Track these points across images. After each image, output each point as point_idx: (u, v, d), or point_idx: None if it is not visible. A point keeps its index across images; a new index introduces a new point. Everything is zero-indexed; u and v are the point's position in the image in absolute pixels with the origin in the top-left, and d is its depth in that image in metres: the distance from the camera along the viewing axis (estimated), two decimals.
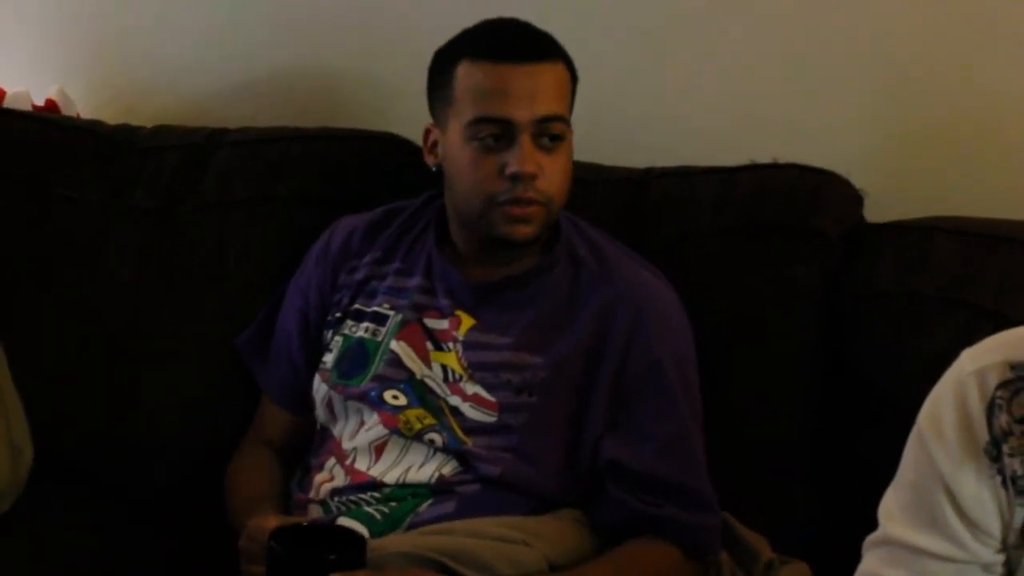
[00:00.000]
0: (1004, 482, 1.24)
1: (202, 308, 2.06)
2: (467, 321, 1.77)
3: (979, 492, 1.25)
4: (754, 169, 1.96)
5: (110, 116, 2.36)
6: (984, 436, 1.25)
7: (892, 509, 1.31)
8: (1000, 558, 1.27)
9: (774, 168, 1.95)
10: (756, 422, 1.86)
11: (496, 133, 1.71)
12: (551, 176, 1.72)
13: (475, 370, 1.74)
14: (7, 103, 2.36)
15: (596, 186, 2.01)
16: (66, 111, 2.39)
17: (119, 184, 2.13)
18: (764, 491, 1.84)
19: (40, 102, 2.40)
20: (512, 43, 1.73)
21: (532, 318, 1.76)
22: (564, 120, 1.74)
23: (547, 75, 1.72)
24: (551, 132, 1.72)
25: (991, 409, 1.24)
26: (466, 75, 1.73)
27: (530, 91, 1.71)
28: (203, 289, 2.06)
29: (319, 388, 1.84)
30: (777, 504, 1.84)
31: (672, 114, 2.17)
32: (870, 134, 2.07)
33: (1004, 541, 1.26)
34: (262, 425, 1.96)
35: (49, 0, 2.54)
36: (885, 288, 1.82)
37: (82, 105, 2.48)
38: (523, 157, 1.69)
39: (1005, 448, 1.23)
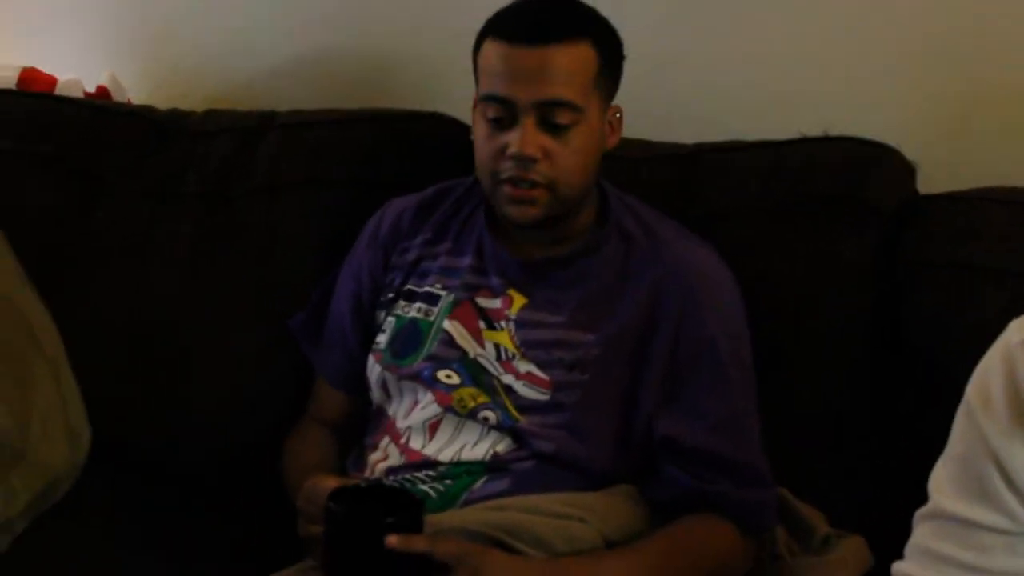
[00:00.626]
0: None
1: (253, 291, 2.06)
2: (519, 300, 1.77)
3: None
4: (804, 142, 1.95)
5: (161, 101, 2.38)
6: None
7: (942, 482, 1.30)
8: None
9: (825, 141, 1.94)
10: (811, 397, 1.85)
11: (500, 113, 1.71)
12: (558, 159, 1.70)
13: (528, 348, 1.75)
14: (59, 90, 2.38)
15: (644, 162, 2.01)
16: (117, 97, 2.40)
17: (170, 169, 2.14)
18: (820, 466, 1.84)
19: (92, 89, 2.42)
20: (530, 24, 1.72)
21: (583, 296, 1.76)
22: (570, 105, 1.70)
23: (560, 57, 1.69)
24: (556, 118, 1.70)
25: None
26: (485, 53, 1.74)
27: (536, 74, 1.69)
28: (253, 272, 2.07)
29: (373, 368, 1.85)
30: (834, 479, 1.83)
31: (721, 88, 2.17)
32: (922, 105, 2.06)
33: None
34: (318, 406, 1.97)
35: None
36: (937, 259, 1.81)
37: (133, 91, 2.50)
38: (523, 139, 1.69)
39: None
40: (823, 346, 1.85)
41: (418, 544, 1.50)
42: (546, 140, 1.70)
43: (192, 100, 2.39)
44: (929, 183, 1.93)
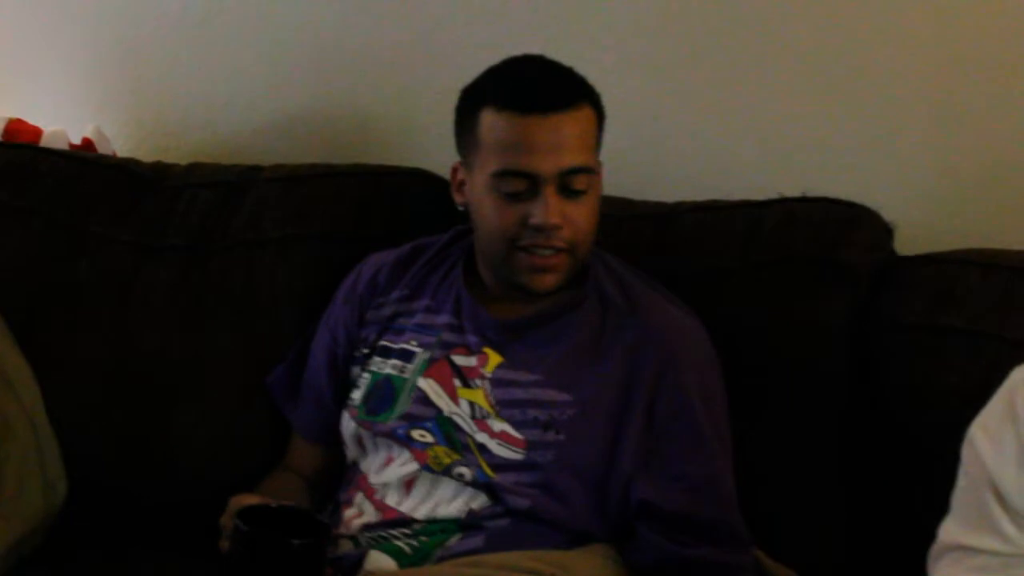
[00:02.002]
0: None
1: (231, 344, 2.06)
2: (495, 358, 1.77)
3: (1020, 478, 1.31)
4: (783, 202, 1.96)
5: (146, 154, 2.39)
6: None
7: (947, 521, 1.37)
8: None
9: (803, 201, 1.95)
10: (786, 458, 1.85)
11: (520, 187, 1.71)
12: (576, 223, 1.72)
13: (502, 407, 1.74)
14: (44, 142, 2.38)
15: (625, 221, 2.01)
16: (102, 150, 2.41)
17: (151, 222, 2.14)
18: (795, 527, 1.83)
19: (77, 141, 2.43)
20: (537, 91, 1.72)
21: (560, 355, 1.76)
22: (589, 171, 1.73)
23: (572, 125, 1.72)
24: (575, 185, 1.71)
25: None
26: (491, 125, 1.73)
27: (555, 144, 1.70)
28: (233, 327, 2.07)
29: (347, 424, 1.85)
30: (808, 540, 1.83)
31: (701, 148, 2.18)
32: (901, 167, 2.07)
33: None
34: (292, 459, 1.97)
35: (86, 39, 2.56)
36: (915, 322, 1.81)
37: (119, 144, 2.50)
38: (547, 210, 1.70)
39: None
40: (799, 408, 1.85)
41: None
42: (566, 206, 1.71)
43: (177, 154, 2.41)
44: (908, 245, 1.95)
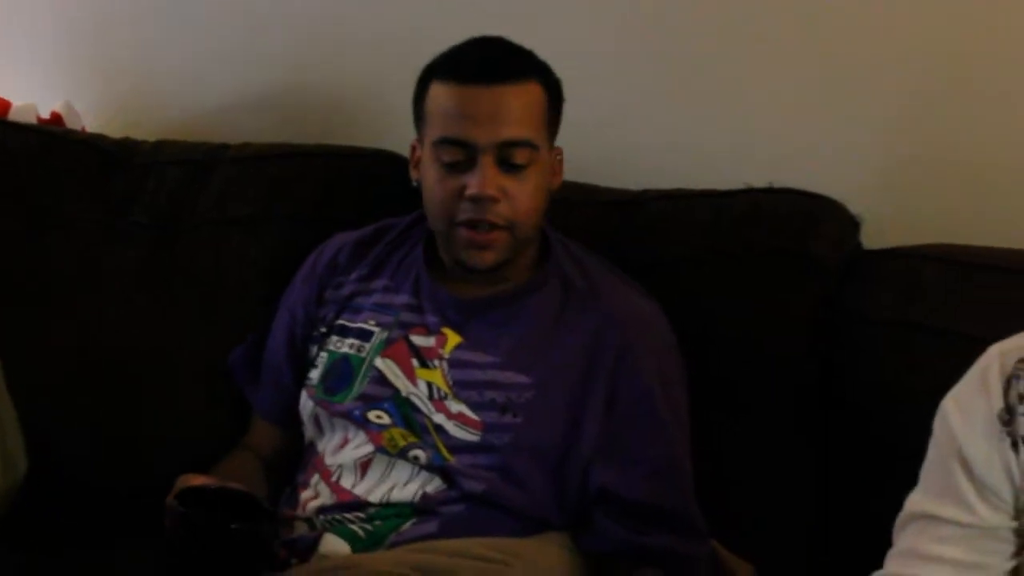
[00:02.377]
0: (1014, 444, 1.31)
1: (199, 325, 2.06)
2: (453, 339, 1.76)
3: (990, 455, 1.32)
4: (749, 193, 1.95)
5: (115, 130, 2.37)
6: (998, 403, 1.32)
7: (914, 492, 1.38)
8: (1011, 524, 1.33)
9: (770, 192, 1.94)
10: (749, 448, 1.84)
11: (458, 156, 1.71)
12: (516, 200, 1.71)
13: (460, 388, 1.73)
14: (12, 115, 2.37)
15: (589, 207, 2.01)
16: (71, 125, 2.40)
17: (118, 200, 2.14)
18: (755, 516, 1.82)
19: (46, 115, 2.41)
20: (480, 63, 1.72)
21: (519, 337, 1.75)
22: (529, 144, 1.71)
23: (514, 97, 1.71)
24: (514, 159, 1.70)
25: (1009, 381, 1.32)
26: (435, 95, 1.73)
27: (493, 114, 1.70)
28: (200, 306, 2.06)
29: (305, 404, 1.84)
30: (768, 530, 1.82)
31: (669, 137, 2.16)
32: (870, 159, 2.05)
33: (1018, 507, 1.32)
34: (252, 440, 1.95)
35: (59, 15, 2.55)
36: (879, 316, 1.80)
37: (89, 119, 2.49)
38: (483, 180, 1.69)
39: (1019, 412, 1.31)
40: (762, 398, 1.84)
41: None
42: (505, 180, 1.70)
43: (146, 130, 2.38)
44: (875, 238, 1.94)
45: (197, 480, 1.63)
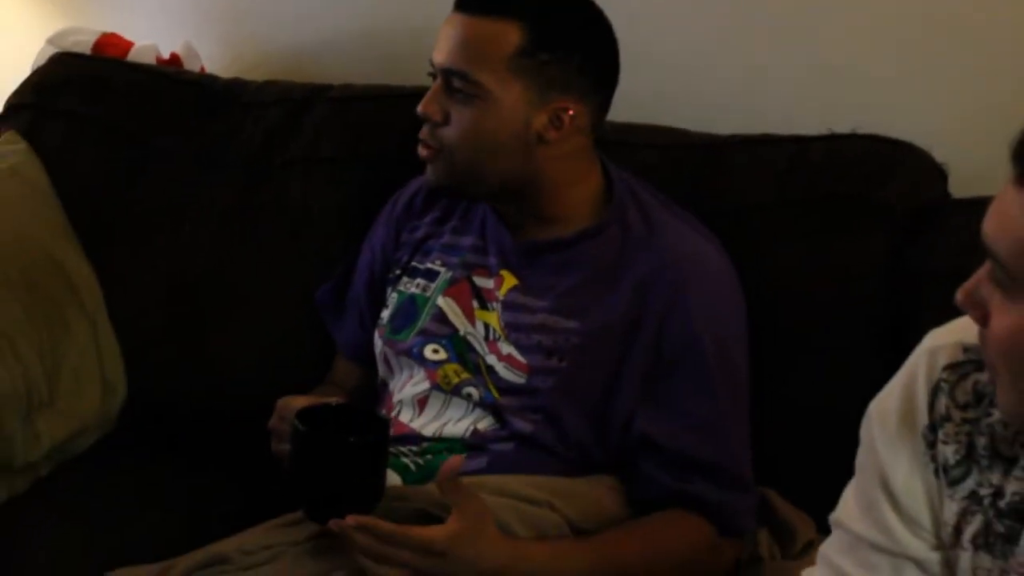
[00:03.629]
0: (936, 471, 1.17)
1: (286, 260, 2.10)
2: (509, 281, 1.78)
3: (911, 479, 1.18)
4: (830, 139, 1.91)
5: (235, 72, 2.43)
6: (924, 419, 1.18)
7: (847, 491, 1.27)
8: (935, 556, 1.19)
9: (850, 138, 1.89)
10: (811, 398, 1.82)
11: (432, 75, 1.74)
12: (451, 126, 1.72)
13: (511, 330, 1.75)
14: (132, 55, 2.44)
15: (673, 150, 1.99)
16: (189, 65, 2.46)
17: (217, 137, 2.20)
18: (817, 469, 1.77)
19: (166, 56, 2.49)
20: None
21: (573, 283, 1.74)
22: (463, 77, 1.69)
23: (471, 28, 1.70)
24: (452, 84, 1.70)
25: (935, 391, 1.17)
26: None
27: (447, 38, 1.71)
28: (287, 242, 2.11)
29: (376, 343, 1.88)
30: (830, 483, 1.76)
31: (760, 82, 2.13)
32: (965, 108, 1.98)
33: (938, 537, 1.19)
34: (336, 376, 2.00)
35: None
36: (944, 268, 1.71)
37: (212, 60, 2.55)
38: (425, 98, 1.72)
39: (940, 434, 1.16)
40: (829, 346, 1.81)
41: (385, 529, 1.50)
42: (450, 104, 1.72)
43: (265, 71, 2.42)
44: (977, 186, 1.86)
45: (300, 401, 1.66)
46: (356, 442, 1.53)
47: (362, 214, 2.04)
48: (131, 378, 2.13)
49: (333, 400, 1.72)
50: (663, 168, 1.95)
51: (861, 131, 1.89)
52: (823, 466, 1.78)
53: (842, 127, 1.92)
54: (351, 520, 1.50)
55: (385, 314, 1.87)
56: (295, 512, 1.65)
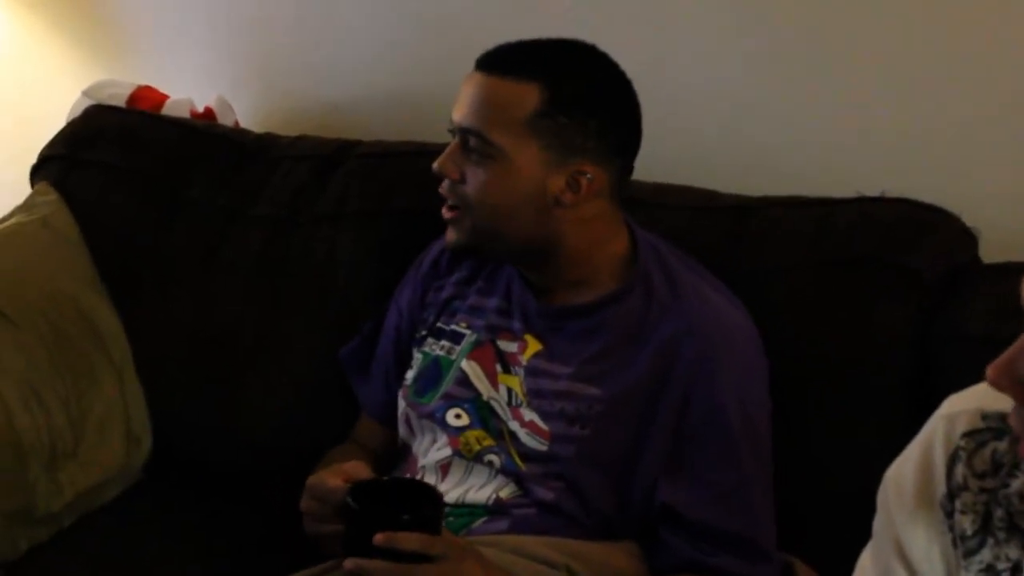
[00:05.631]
0: (954, 540, 1.14)
1: (311, 315, 2.11)
2: (533, 346, 1.76)
3: (929, 548, 1.15)
4: (859, 202, 1.89)
5: (268, 127, 2.44)
6: (941, 488, 1.15)
7: (863, 557, 1.24)
8: None
9: (879, 202, 1.88)
10: (838, 464, 1.79)
11: (452, 132, 1.74)
12: (468, 185, 1.71)
13: (533, 396, 1.73)
14: (166, 109, 2.47)
15: (702, 211, 1.98)
16: (223, 119, 2.49)
17: (246, 191, 2.21)
18: (845, 536, 1.76)
19: (200, 109, 2.51)
20: (492, 54, 1.72)
21: (597, 349, 1.72)
22: (479, 136, 1.69)
23: (492, 88, 1.70)
24: (469, 144, 1.70)
25: (953, 459, 1.15)
26: None
27: (466, 97, 1.71)
28: (312, 297, 2.11)
29: (400, 404, 1.86)
30: (856, 550, 1.76)
31: (791, 144, 2.12)
32: (996, 172, 1.97)
33: None
34: (359, 435, 1.98)
35: (221, 15, 2.64)
36: (975, 333, 1.71)
37: (245, 115, 2.57)
38: (442, 156, 1.72)
39: (957, 503, 1.13)
40: (856, 412, 1.79)
41: (410, 543, 1.49)
42: (466, 164, 1.71)
43: (297, 127, 2.43)
44: (998, 252, 1.85)
45: (332, 479, 1.62)
46: (411, 519, 1.52)
47: (389, 270, 2.03)
48: (156, 429, 2.13)
49: (383, 477, 1.69)
50: (691, 229, 1.94)
51: (890, 195, 1.87)
52: (847, 532, 1.78)
53: (871, 190, 1.92)
54: (379, 538, 1.47)
55: (409, 375, 1.86)
56: (320, 564, 1.65)
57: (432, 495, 1.58)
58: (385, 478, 1.66)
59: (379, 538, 1.47)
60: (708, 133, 2.18)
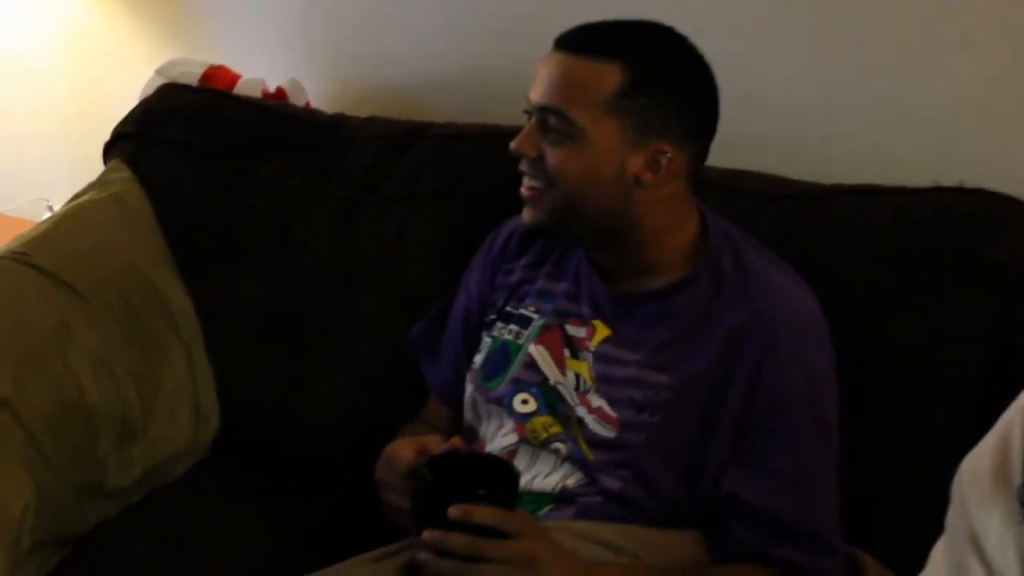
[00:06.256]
0: None
1: (380, 295, 2.11)
2: (602, 332, 1.75)
3: (1003, 539, 1.13)
4: (936, 192, 1.86)
5: (339, 107, 2.44)
6: (1018, 477, 1.13)
7: (935, 551, 1.22)
8: None
9: (957, 192, 1.85)
10: (913, 456, 1.76)
11: (528, 112, 1.72)
12: (548, 162, 1.69)
13: (601, 383, 1.72)
14: (239, 88, 2.47)
15: (776, 199, 1.96)
16: (294, 100, 2.49)
17: (317, 171, 2.21)
18: (911, 528, 1.73)
19: (272, 90, 2.52)
20: (572, 33, 1.70)
21: (666, 336, 1.71)
22: (559, 114, 1.66)
23: (572, 68, 1.67)
24: (547, 122, 1.68)
25: None
26: None
27: (544, 77, 1.69)
28: (382, 277, 2.11)
29: (467, 387, 1.86)
30: (925, 545, 1.72)
31: (866, 132, 2.10)
32: None
33: None
34: (428, 416, 1.98)
35: None
36: None
37: (316, 95, 2.58)
38: (520, 135, 1.70)
39: None
40: (931, 405, 1.76)
41: (486, 517, 1.49)
42: (543, 142, 1.69)
43: (368, 107, 2.43)
44: None
45: (406, 450, 1.63)
46: (487, 494, 1.51)
47: (458, 252, 2.02)
48: (224, 406, 2.15)
49: (462, 449, 1.66)
50: (764, 216, 1.92)
51: (968, 185, 1.85)
52: (920, 527, 1.75)
53: (948, 180, 1.89)
54: (455, 511, 1.48)
55: (478, 359, 1.85)
56: (384, 547, 1.65)
57: (509, 471, 1.57)
58: (462, 451, 1.64)
59: (454, 511, 1.48)
60: (783, 119, 2.16)
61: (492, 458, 1.66)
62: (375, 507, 1.70)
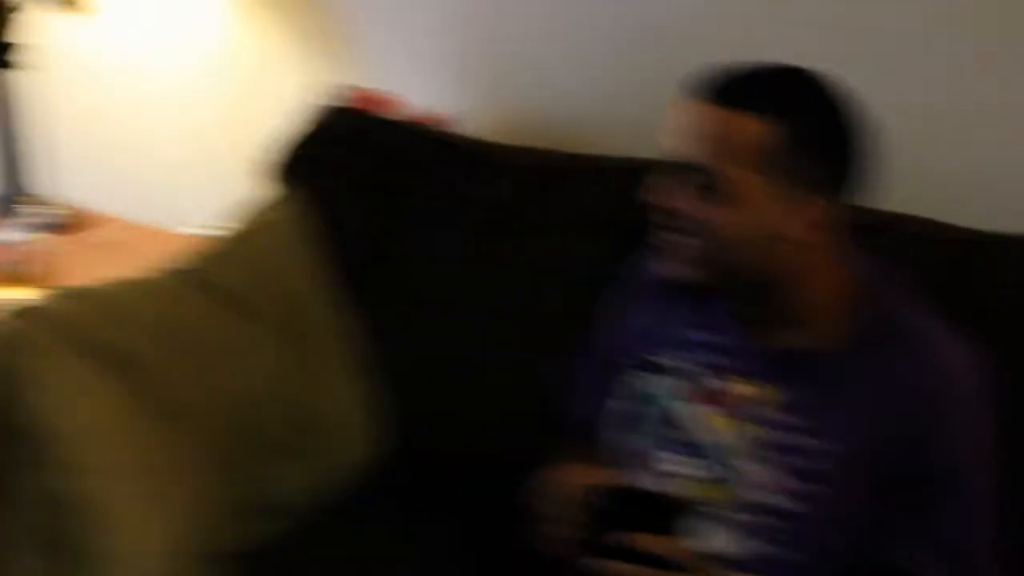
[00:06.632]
0: None
1: (522, 324, 2.14)
2: (760, 391, 1.68)
3: None
4: None
5: (495, 136, 2.45)
6: None
7: None
8: None
9: None
10: None
11: (667, 160, 1.65)
12: (700, 219, 1.61)
13: (760, 446, 1.66)
14: (395, 113, 2.49)
15: (934, 244, 1.93)
16: (451, 127, 2.49)
17: (465, 197, 2.25)
18: None
19: (431, 116, 2.54)
20: (719, 84, 1.60)
21: (828, 401, 1.63)
22: (710, 173, 1.58)
23: (723, 123, 1.57)
24: (694, 179, 1.60)
25: None
26: None
27: (693, 132, 1.60)
28: (525, 306, 2.15)
29: (605, 433, 1.82)
30: None
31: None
32: None
33: None
34: (571, 452, 1.90)
35: (448, 21, 2.66)
36: None
37: (473, 123, 2.58)
38: (665, 191, 1.64)
39: None
40: None
41: (667, 551, 1.51)
42: (695, 200, 1.61)
43: (523, 137, 2.44)
44: None
45: (570, 484, 1.64)
46: (661, 527, 1.53)
47: (602, 284, 1.99)
48: (392, 426, 2.19)
49: (630, 485, 1.62)
50: (922, 262, 1.88)
51: None
52: None
53: None
54: (640, 541, 1.49)
55: (616, 406, 1.81)
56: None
57: (684, 506, 1.55)
58: (636, 487, 1.60)
59: (638, 541, 1.49)
60: (939, 162, 2.13)
61: (663, 495, 1.60)
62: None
